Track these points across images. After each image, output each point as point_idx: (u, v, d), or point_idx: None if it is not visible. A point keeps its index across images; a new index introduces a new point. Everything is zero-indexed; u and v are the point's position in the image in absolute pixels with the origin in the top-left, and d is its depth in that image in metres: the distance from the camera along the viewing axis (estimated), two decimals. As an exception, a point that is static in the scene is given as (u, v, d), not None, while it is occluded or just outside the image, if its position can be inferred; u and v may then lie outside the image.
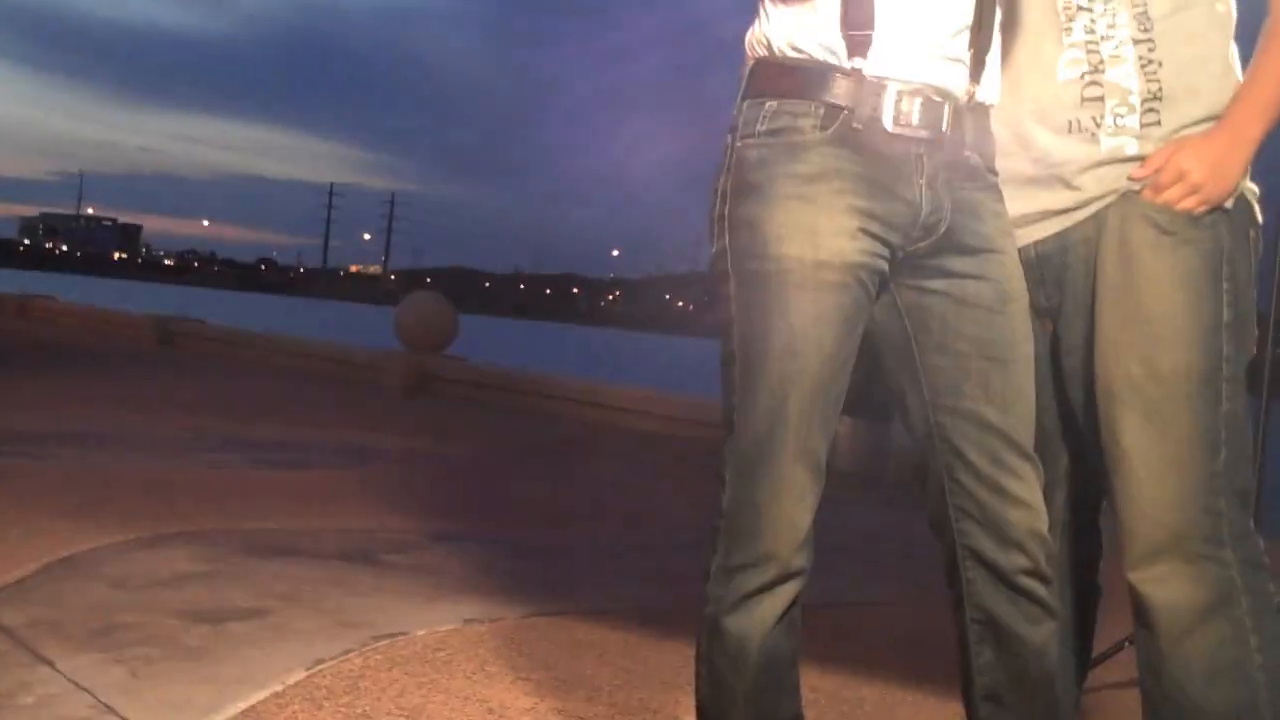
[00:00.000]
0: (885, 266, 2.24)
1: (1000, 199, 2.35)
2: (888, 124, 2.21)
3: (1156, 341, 2.37)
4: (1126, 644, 3.89)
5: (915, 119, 2.22)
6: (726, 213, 2.26)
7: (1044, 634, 2.28)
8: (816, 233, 2.18)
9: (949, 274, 2.27)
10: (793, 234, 2.18)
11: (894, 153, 2.22)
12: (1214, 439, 2.37)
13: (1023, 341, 2.30)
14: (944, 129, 2.24)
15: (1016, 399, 2.27)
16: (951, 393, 2.26)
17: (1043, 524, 2.26)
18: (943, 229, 2.24)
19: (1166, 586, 2.38)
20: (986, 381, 2.25)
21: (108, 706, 3.10)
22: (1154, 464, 2.37)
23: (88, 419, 8.80)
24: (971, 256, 2.27)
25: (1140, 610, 2.42)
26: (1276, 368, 4.01)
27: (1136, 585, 2.40)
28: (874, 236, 2.20)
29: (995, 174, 2.35)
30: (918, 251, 2.25)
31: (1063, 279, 2.48)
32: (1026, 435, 2.27)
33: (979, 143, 2.31)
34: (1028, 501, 2.25)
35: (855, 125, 2.20)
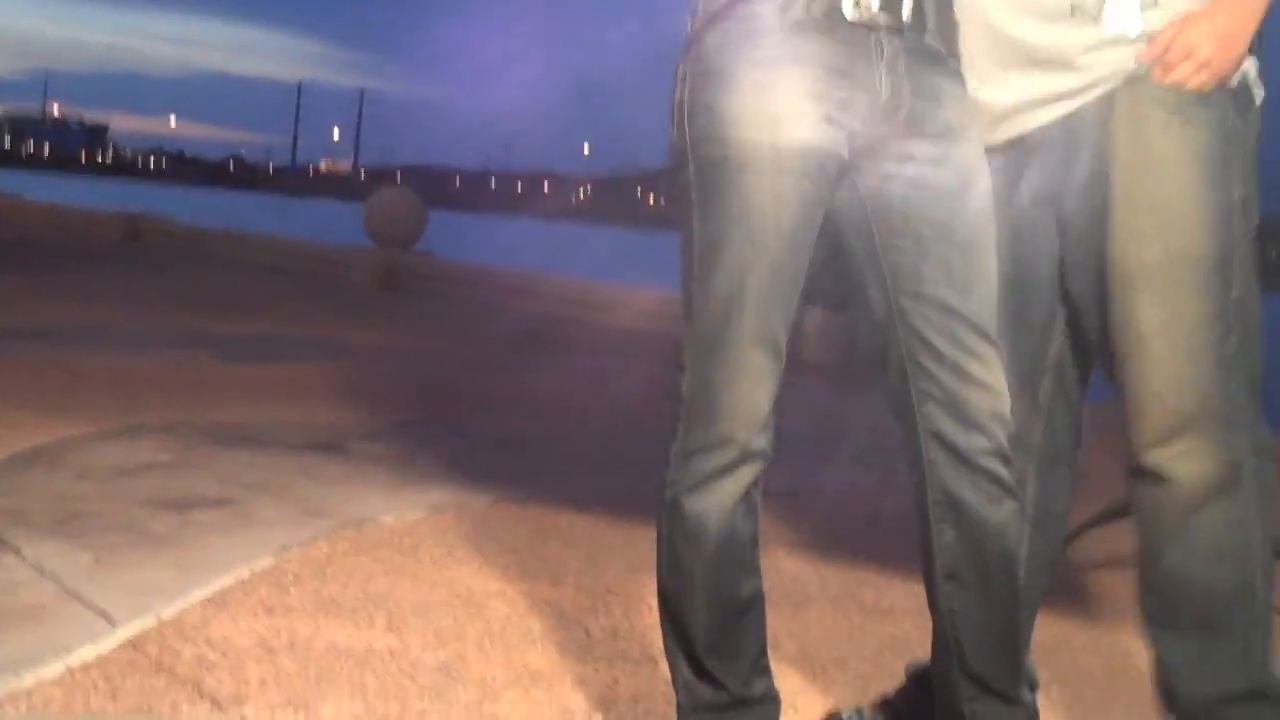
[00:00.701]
0: (845, 153, 2.22)
1: (962, 84, 2.33)
2: (847, 10, 2.19)
3: (1170, 225, 2.35)
4: (1089, 529, 3.94)
5: (875, 5, 2.20)
6: (686, 98, 2.25)
7: (1004, 514, 2.29)
8: (776, 118, 2.17)
9: (909, 159, 2.25)
10: (752, 119, 2.18)
11: (853, 39, 2.20)
12: (1225, 323, 2.35)
13: (984, 225, 2.29)
14: (904, 15, 2.22)
15: (978, 282, 2.27)
16: (913, 277, 2.26)
17: (1004, 405, 2.27)
18: (903, 115, 2.23)
19: (1183, 462, 2.36)
20: (948, 265, 2.25)
21: (73, 592, 3.11)
22: (1170, 348, 2.35)
23: (54, 315, 8.77)
24: (932, 142, 2.26)
25: (1151, 486, 2.40)
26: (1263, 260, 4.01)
27: (1155, 462, 2.38)
28: (833, 123, 2.19)
29: (957, 59, 2.34)
30: (878, 137, 2.24)
31: (1070, 163, 2.44)
32: (988, 318, 2.27)
33: (941, 28, 2.29)
34: (989, 383, 2.26)
35: (814, 12, 2.18)
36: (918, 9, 2.24)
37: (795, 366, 2.28)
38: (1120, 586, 4.00)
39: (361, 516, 4.00)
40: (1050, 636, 3.41)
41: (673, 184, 2.30)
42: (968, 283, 2.25)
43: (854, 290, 2.37)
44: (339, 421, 5.69)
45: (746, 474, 2.26)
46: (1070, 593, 3.85)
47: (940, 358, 2.25)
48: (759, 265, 2.20)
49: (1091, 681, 3.13)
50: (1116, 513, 3.99)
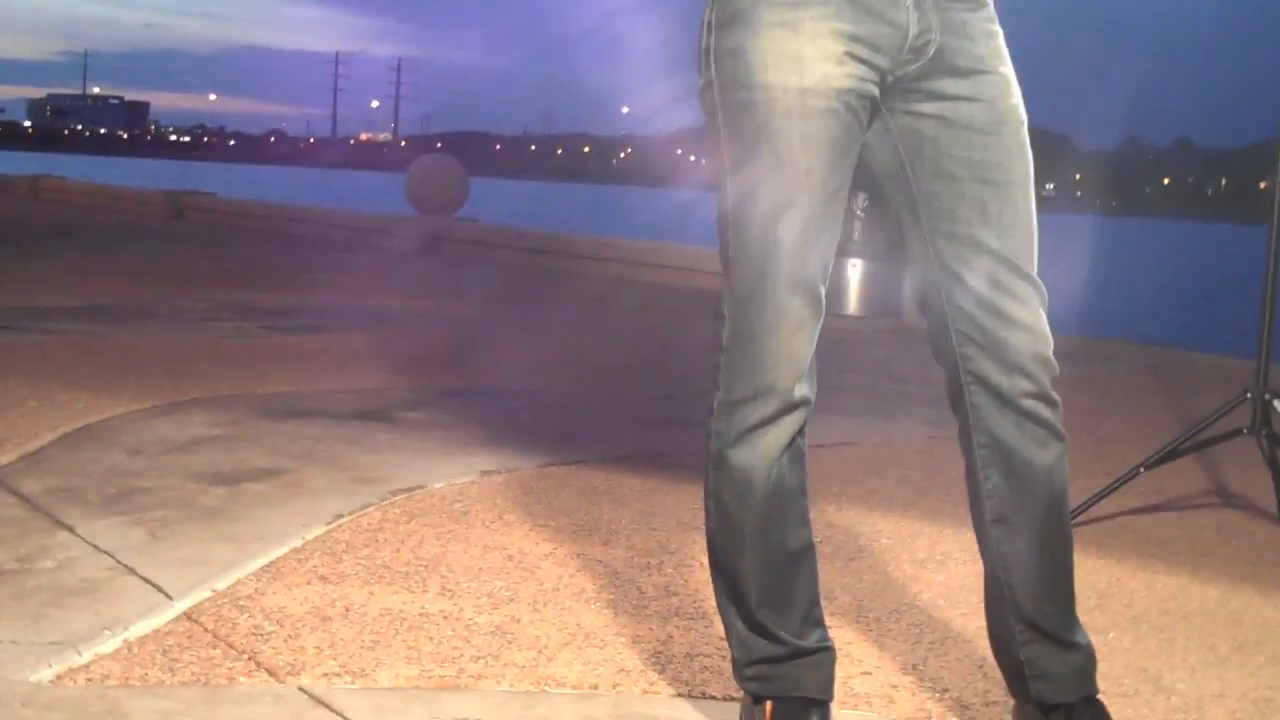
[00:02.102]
0: (875, 91, 2.20)
1: (994, 19, 2.30)
2: (871, -54, 2.16)
3: None
4: (1141, 470, 3.92)
5: (900, -61, 2.17)
6: (712, 44, 2.23)
7: (1050, 456, 2.27)
8: (801, 59, 2.14)
9: (940, 97, 2.23)
10: (777, 61, 2.15)
11: (880, -26, 2.17)
12: None
13: (1019, 162, 2.25)
14: (931, -51, 2.19)
15: (1014, 221, 2.24)
16: (948, 217, 2.23)
17: (1046, 347, 2.24)
18: (931, 51, 2.20)
19: None
20: (983, 204, 2.22)
21: (128, 567, 3.13)
22: None
23: (102, 294, 8.83)
24: (963, 78, 2.22)
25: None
26: None
27: None
28: (861, 61, 2.17)
29: None
30: (907, 75, 2.21)
31: None
32: (1026, 257, 2.24)
33: None
34: (1029, 324, 2.23)
35: (838, -52, 2.15)
36: (945, -59, 2.20)
37: (841, 319, 2.26)
38: (1173, 529, 3.99)
39: (411, 483, 4.01)
40: (1105, 580, 3.41)
41: (705, 133, 2.28)
42: (1003, 221, 2.22)
43: (893, 234, 2.35)
44: (386, 390, 5.72)
45: (790, 423, 2.24)
46: (1124, 537, 3.84)
47: (978, 299, 2.22)
48: (793, 210, 2.17)
49: (1148, 624, 3.11)
50: (1173, 453, 3.99)
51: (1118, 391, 6.56)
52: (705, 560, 2.41)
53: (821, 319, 2.23)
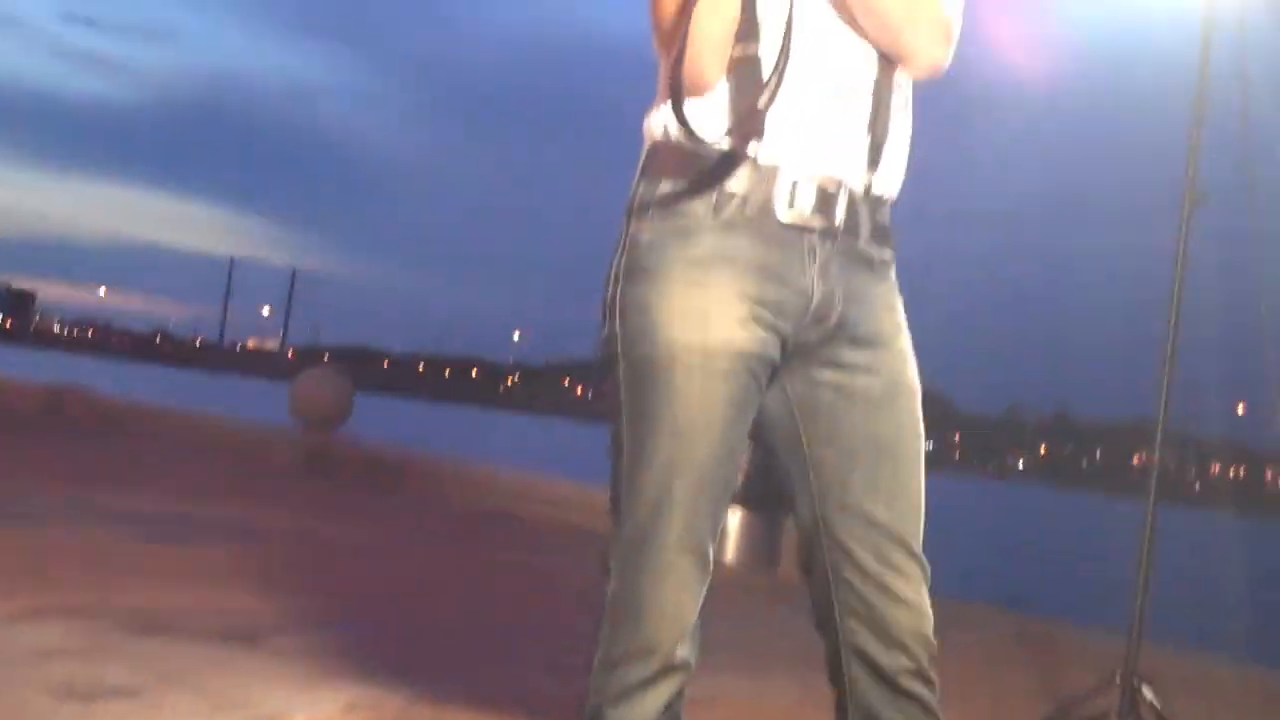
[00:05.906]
0: (776, 355, 2.23)
1: (895, 291, 2.35)
2: (780, 213, 2.21)
3: None
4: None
5: (808, 208, 2.22)
6: (618, 295, 2.26)
7: (924, 734, 2.27)
8: (707, 319, 2.18)
9: (839, 365, 2.27)
10: (683, 319, 2.18)
11: (786, 241, 2.22)
12: None
13: (911, 437, 2.30)
14: (838, 219, 2.24)
15: (904, 495, 2.27)
16: (839, 487, 2.26)
17: (927, 625, 2.26)
18: (834, 320, 2.24)
19: None
20: (875, 477, 2.25)
21: (-32, 785, 3.00)
22: None
23: (-33, 486, 8.61)
24: (862, 349, 2.27)
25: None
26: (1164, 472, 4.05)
27: None
28: (765, 325, 2.20)
29: (891, 266, 2.35)
30: (809, 341, 2.25)
31: None
32: (914, 533, 2.27)
33: (875, 233, 2.31)
34: (912, 602, 2.25)
35: (747, 212, 2.20)
36: (852, 213, 2.26)
37: (716, 567, 2.26)
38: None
39: (273, 712, 3.91)
40: None
41: (602, 383, 2.30)
42: (894, 495, 2.25)
43: (782, 494, 2.36)
44: (254, 610, 5.58)
45: (668, 687, 2.23)
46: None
47: (864, 572, 2.24)
48: (687, 469, 2.19)
49: None
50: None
51: (985, 662, 6.56)
52: (570, 818, 2.35)
53: (709, 578, 2.23)
